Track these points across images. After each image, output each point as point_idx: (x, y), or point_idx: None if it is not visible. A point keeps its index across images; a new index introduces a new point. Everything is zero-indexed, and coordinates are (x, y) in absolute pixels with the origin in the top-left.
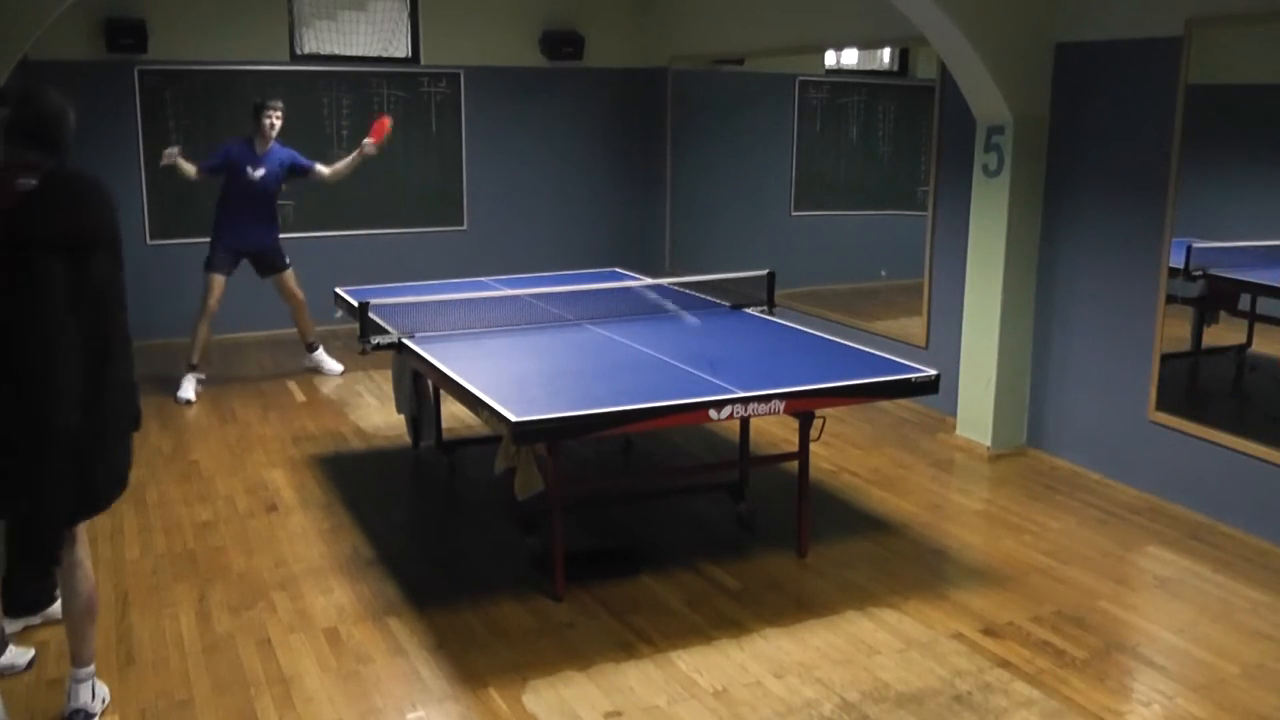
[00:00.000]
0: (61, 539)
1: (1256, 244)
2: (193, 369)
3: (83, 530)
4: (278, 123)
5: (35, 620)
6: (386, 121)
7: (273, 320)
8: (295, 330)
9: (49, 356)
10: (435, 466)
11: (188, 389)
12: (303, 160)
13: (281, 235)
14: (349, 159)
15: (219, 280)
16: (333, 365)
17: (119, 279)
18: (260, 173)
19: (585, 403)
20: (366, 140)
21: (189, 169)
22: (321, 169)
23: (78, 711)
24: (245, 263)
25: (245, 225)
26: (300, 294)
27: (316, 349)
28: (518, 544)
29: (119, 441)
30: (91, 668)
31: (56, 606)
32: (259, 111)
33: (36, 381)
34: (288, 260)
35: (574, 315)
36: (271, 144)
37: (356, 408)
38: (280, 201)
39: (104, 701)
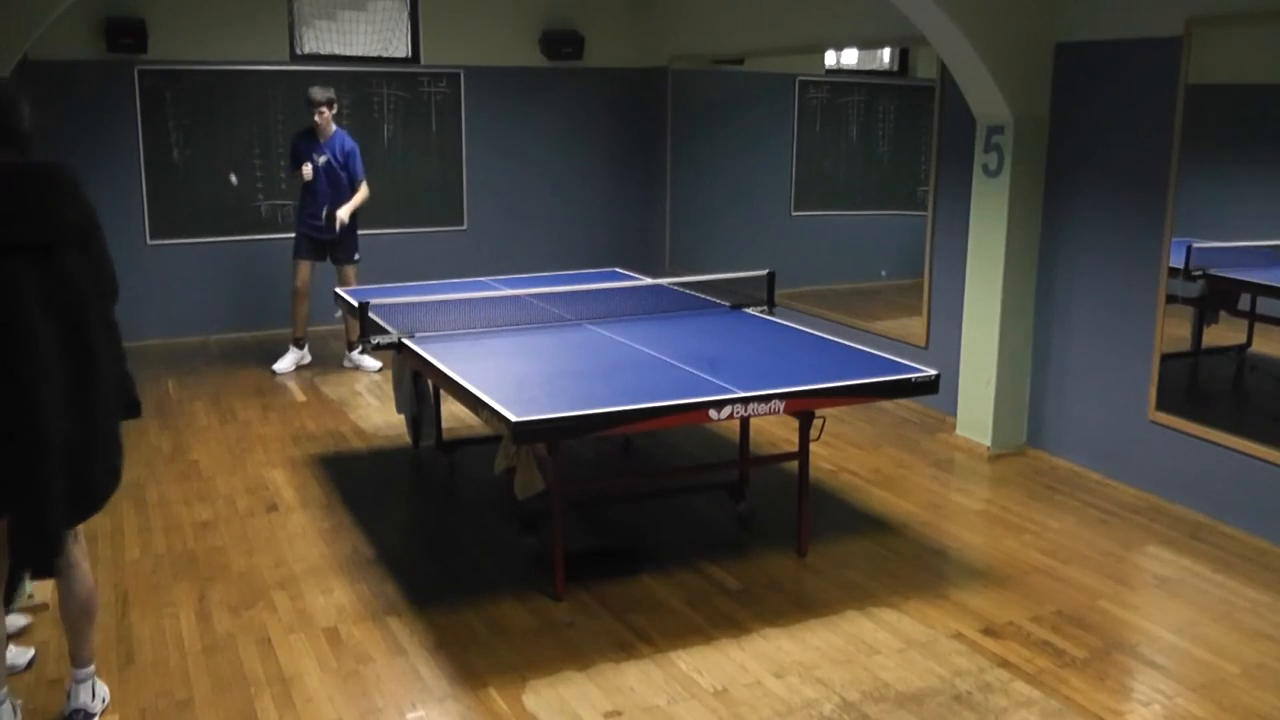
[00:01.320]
0: (60, 541)
1: (1256, 244)
2: (296, 342)
3: (80, 532)
4: (318, 119)
5: None
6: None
7: (272, 320)
8: (291, 330)
9: (26, 365)
10: (435, 466)
11: (286, 362)
12: (358, 166)
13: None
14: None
15: (302, 265)
16: (370, 362)
17: (103, 267)
18: (323, 159)
19: (585, 403)
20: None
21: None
22: (363, 190)
23: (78, 711)
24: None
25: (316, 212)
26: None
27: (354, 349)
28: (518, 544)
29: (110, 437)
30: (91, 668)
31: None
32: (307, 109)
33: (19, 387)
34: (356, 255)
35: (574, 315)
36: (334, 131)
37: (356, 408)
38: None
39: (104, 701)
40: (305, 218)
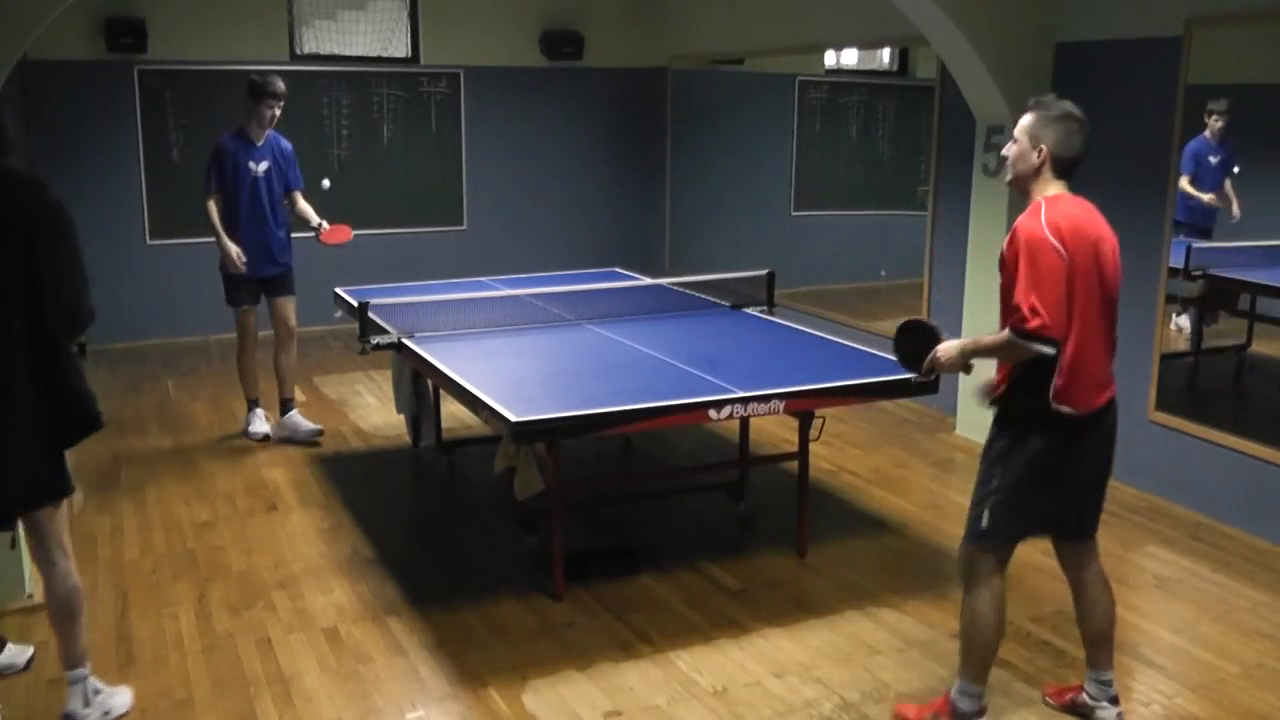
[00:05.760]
0: None
1: (1256, 244)
2: (254, 404)
3: (61, 529)
4: (270, 116)
5: None
6: (343, 234)
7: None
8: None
9: None
10: (435, 466)
11: (257, 424)
12: (298, 171)
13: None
14: (308, 215)
15: (249, 314)
16: (309, 427)
17: (61, 292)
18: (263, 166)
19: (585, 403)
20: (322, 229)
21: (230, 247)
22: (301, 199)
23: (66, 717)
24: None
25: (262, 242)
26: (295, 326)
27: (291, 409)
28: (518, 544)
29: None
30: (81, 670)
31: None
32: (259, 97)
33: None
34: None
35: (574, 315)
36: (267, 133)
37: (356, 408)
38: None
39: (106, 713)
40: (242, 249)
